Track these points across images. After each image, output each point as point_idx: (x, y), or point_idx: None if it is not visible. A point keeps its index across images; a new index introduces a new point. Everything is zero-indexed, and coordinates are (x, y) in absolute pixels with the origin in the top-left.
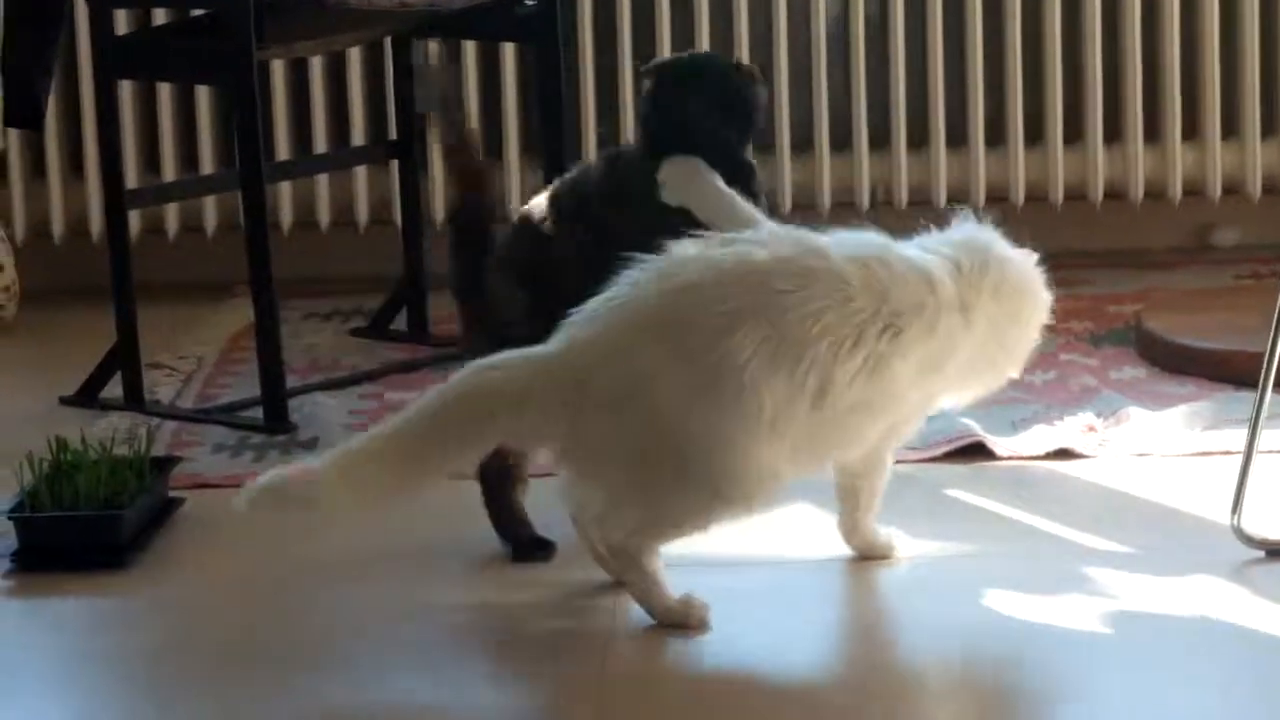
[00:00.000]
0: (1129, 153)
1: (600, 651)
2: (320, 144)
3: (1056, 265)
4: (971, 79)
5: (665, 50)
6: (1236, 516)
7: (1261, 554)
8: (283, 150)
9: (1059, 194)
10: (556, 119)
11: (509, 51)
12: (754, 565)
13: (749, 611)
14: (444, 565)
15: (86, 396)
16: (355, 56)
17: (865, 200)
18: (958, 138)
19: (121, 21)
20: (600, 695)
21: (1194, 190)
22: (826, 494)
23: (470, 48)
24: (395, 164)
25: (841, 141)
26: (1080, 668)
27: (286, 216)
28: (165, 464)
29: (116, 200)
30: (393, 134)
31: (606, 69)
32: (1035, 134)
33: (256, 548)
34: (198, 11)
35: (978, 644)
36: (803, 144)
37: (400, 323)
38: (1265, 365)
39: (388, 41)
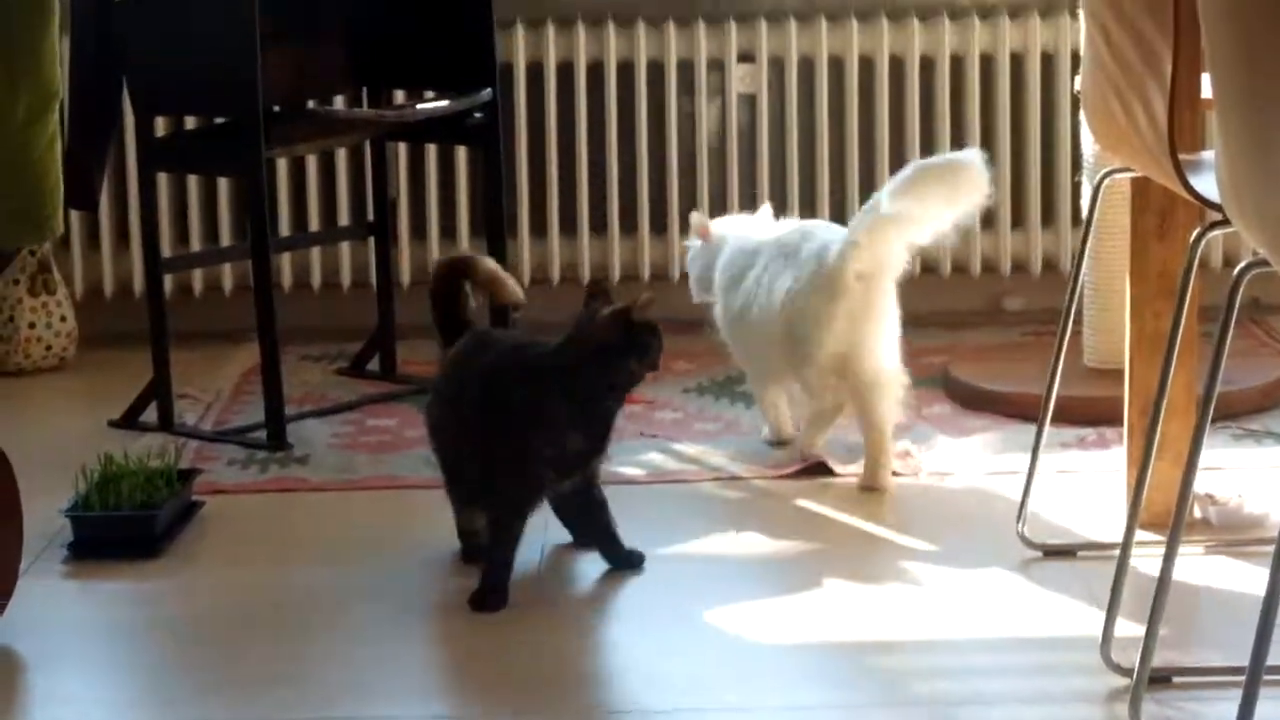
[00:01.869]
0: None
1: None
2: (314, 223)
3: None
4: (819, 174)
5: (582, 158)
6: (1020, 524)
7: (1040, 554)
8: (284, 227)
9: None
10: (498, 205)
11: (461, 153)
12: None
13: None
14: (429, 559)
15: (129, 421)
16: (342, 154)
17: None
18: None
19: (160, 125)
20: None
21: (990, 266)
22: None
23: (431, 148)
24: (372, 240)
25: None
26: (893, 634)
27: (286, 278)
28: (189, 475)
29: (154, 267)
30: (370, 216)
31: (537, 168)
32: None
33: (263, 541)
34: (220, 119)
35: (821, 621)
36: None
37: (375, 364)
38: (1043, 404)
39: (368, 143)
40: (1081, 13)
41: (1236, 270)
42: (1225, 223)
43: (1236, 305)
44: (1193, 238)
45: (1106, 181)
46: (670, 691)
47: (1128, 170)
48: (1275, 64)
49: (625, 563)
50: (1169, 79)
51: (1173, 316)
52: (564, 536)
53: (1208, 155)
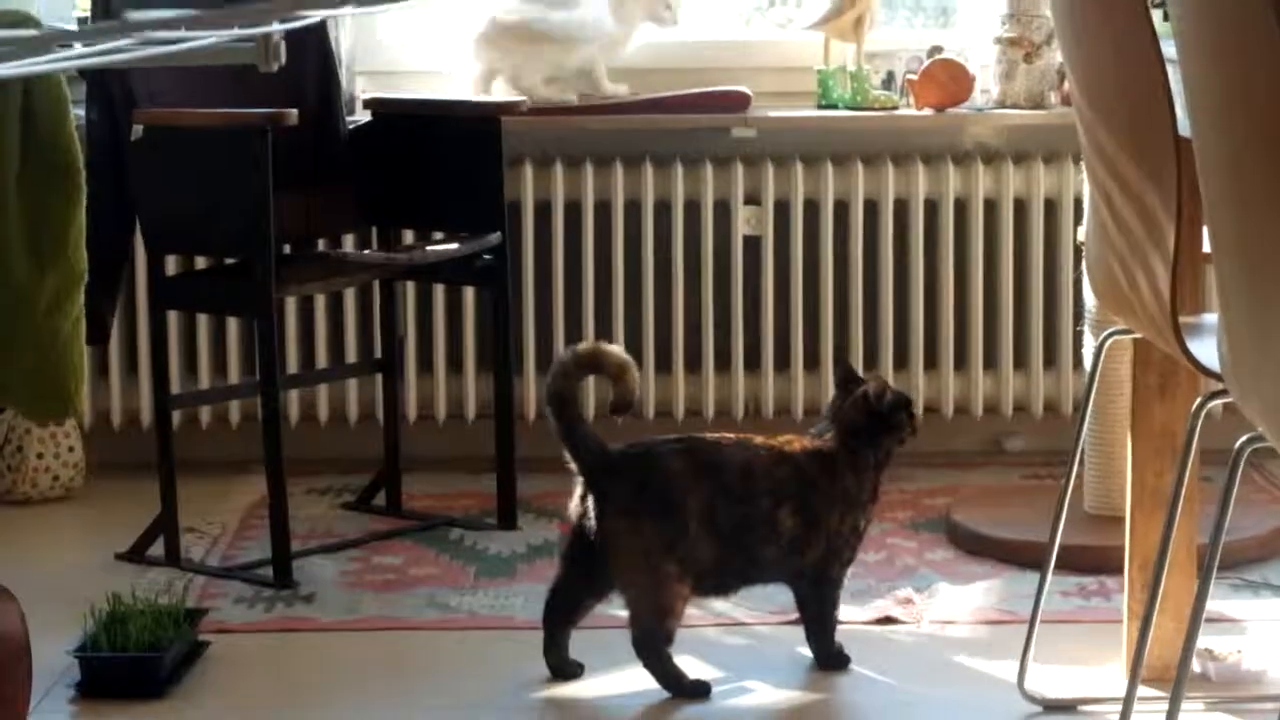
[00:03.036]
0: (942, 377)
1: None
2: (321, 358)
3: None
4: (823, 316)
5: (588, 295)
6: (1022, 678)
7: (1040, 709)
8: (292, 363)
9: None
10: (506, 345)
11: (469, 293)
12: None
13: None
14: (436, 705)
15: (136, 554)
16: (350, 292)
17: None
18: (814, 362)
19: (170, 264)
20: None
21: (991, 408)
22: None
23: (439, 288)
24: (379, 376)
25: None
26: None
27: (294, 411)
28: (196, 615)
29: (163, 404)
30: (378, 353)
31: (544, 303)
32: (870, 363)
33: (269, 684)
34: (230, 260)
35: None
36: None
37: (380, 499)
38: (1046, 553)
39: (376, 282)
40: (1084, 169)
41: (1238, 445)
42: (1226, 392)
43: (1238, 479)
44: (1194, 406)
45: (1109, 342)
46: None
47: (1130, 332)
48: (1276, 249)
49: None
50: (1172, 251)
51: (1175, 476)
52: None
53: (1210, 318)
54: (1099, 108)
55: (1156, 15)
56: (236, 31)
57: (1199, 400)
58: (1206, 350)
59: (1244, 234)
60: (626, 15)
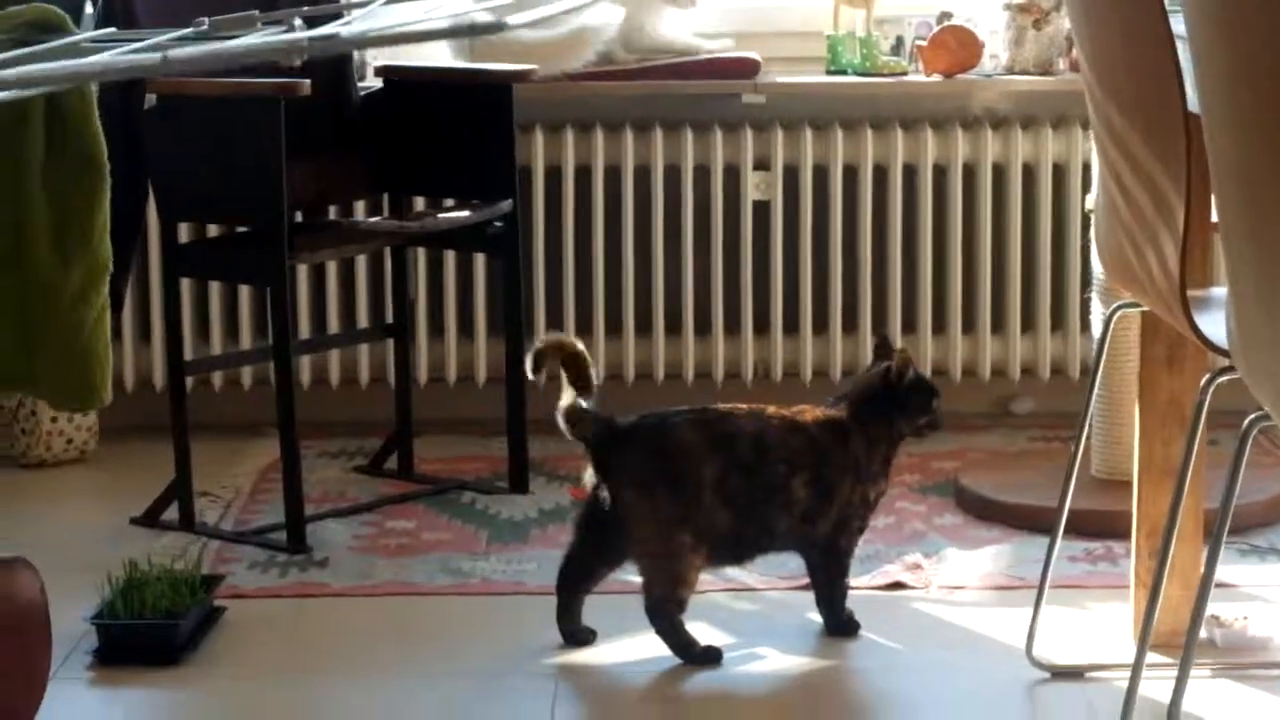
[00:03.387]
0: (950, 340)
1: None
2: (333, 323)
3: None
4: (831, 281)
5: (599, 260)
6: (1030, 644)
7: (1048, 675)
8: (304, 328)
9: None
10: (517, 311)
11: (480, 258)
12: None
13: None
14: (449, 671)
15: (151, 519)
16: (362, 258)
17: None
18: (822, 326)
19: (184, 232)
20: None
21: (999, 371)
22: None
23: (450, 254)
24: (390, 341)
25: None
26: None
27: (305, 375)
28: (212, 581)
29: (177, 369)
30: (389, 318)
31: (554, 269)
32: (877, 325)
33: (284, 650)
34: (242, 228)
35: None
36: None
37: (393, 462)
38: (1056, 517)
39: (388, 249)
40: (1093, 144)
41: (1246, 422)
42: (1234, 369)
43: (1245, 456)
44: (1203, 382)
45: (1118, 315)
46: None
47: (1139, 305)
48: None
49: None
50: (1181, 229)
51: (1183, 446)
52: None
53: (1219, 292)
54: (1108, 85)
55: None
56: (266, 36)
57: (1207, 377)
58: (1215, 325)
59: (1252, 210)
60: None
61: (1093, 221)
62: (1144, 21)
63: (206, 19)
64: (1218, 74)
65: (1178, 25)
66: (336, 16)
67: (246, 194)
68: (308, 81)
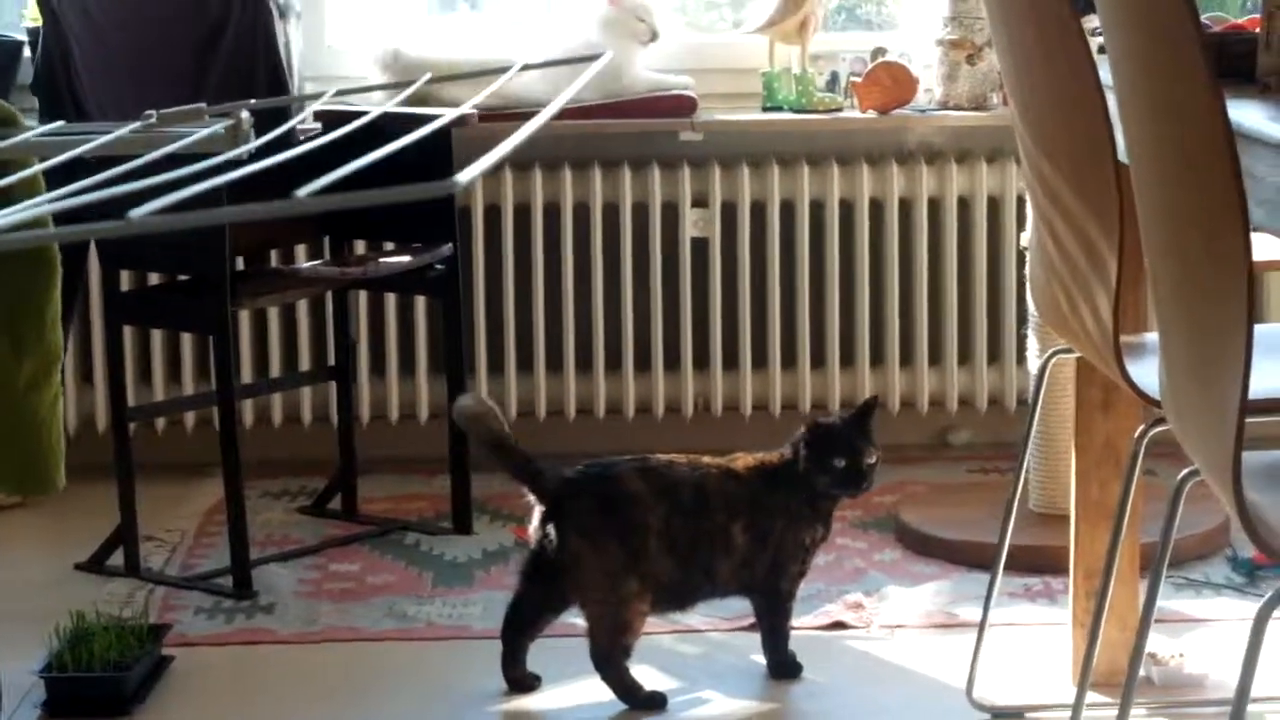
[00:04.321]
0: (888, 373)
1: None
2: (275, 365)
3: None
4: (770, 316)
5: (539, 297)
6: (970, 685)
7: (988, 716)
8: (247, 372)
9: (836, 403)
10: (457, 351)
11: (421, 299)
12: None
13: None
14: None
15: (96, 564)
16: (303, 302)
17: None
18: (761, 360)
19: (124, 280)
20: None
21: (936, 402)
22: None
23: (391, 297)
24: (333, 383)
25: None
26: None
27: (249, 415)
28: (159, 630)
29: (120, 416)
30: (330, 360)
31: (494, 307)
32: (816, 361)
33: (232, 699)
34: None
35: None
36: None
37: (336, 503)
38: (996, 554)
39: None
40: (1028, 195)
41: (1180, 476)
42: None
43: (1179, 508)
44: (1137, 433)
45: (1052, 364)
46: None
47: (1073, 351)
48: (1215, 286)
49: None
50: (1114, 282)
51: (1119, 488)
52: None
53: (1151, 337)
54: (1040, 138)
55: (1095, 45)
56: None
57: (1141, 428)
58: (1148, 372)
59: (1179, 263)
60: (613, 42)
61: (1027, 263)
62: (1075, 77)
63: (155, 112)
64: (1141, 125)
65: (1105, 74)
66: (284, 109)
67: (188, 242)
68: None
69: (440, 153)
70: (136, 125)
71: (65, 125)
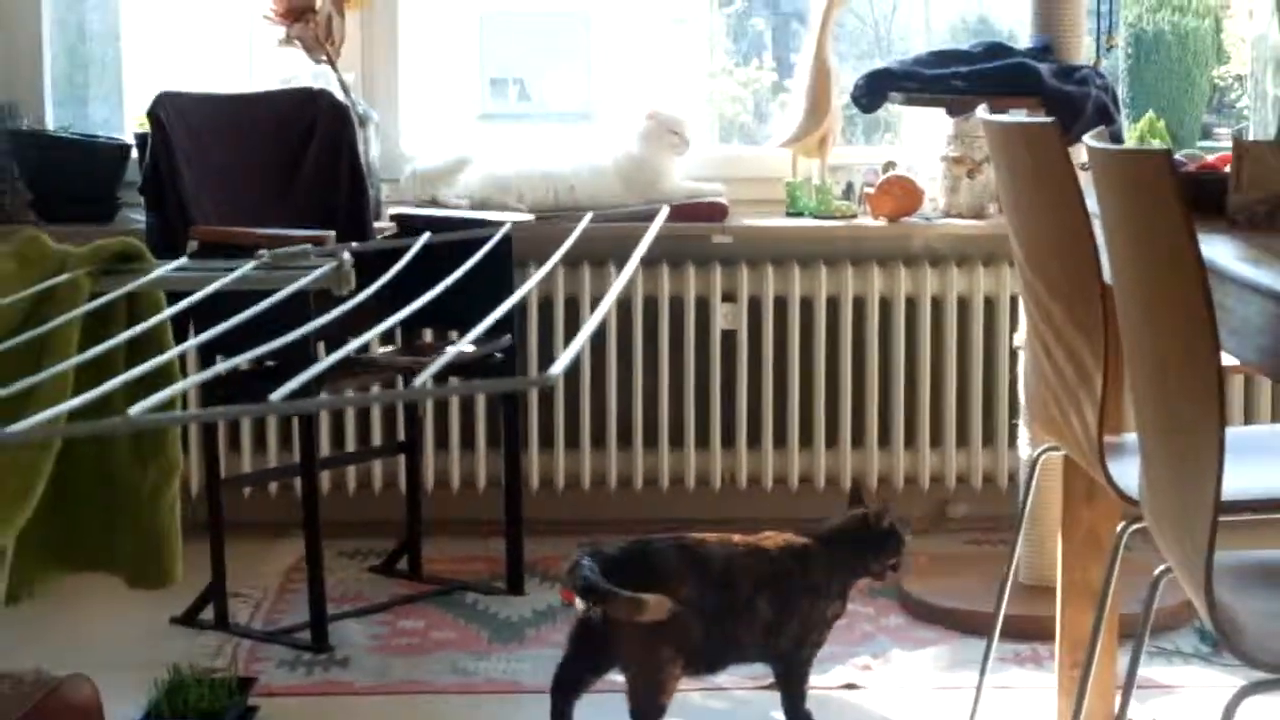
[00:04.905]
0: (894, 453)
1: None
2: (350, 439)
3: None
4: (790, 401)
5: (585, 381)
6: None
7: None
8: (325, 444)
9: (847, 479)
10: (512, 427)
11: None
12: None
13: None
14: None
15: (189, 618)
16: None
17: (717, 482)
18: (781, 440)
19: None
20: None
21: (936, 479)
22: None
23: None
24: (402, 456)
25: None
26: None
27: (325, 482)
28: (246, 683)
29: (214, 487)
30: (400, 436)
31: (545, 393)
32: (831, 437)
33: None
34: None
35: None
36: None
37: (404, 564)
38: (991, 625)
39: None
40: (1021, 302)
41: (1156, 572)
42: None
43: (1155, 604)
44: (1118, 529)
45: (1041, 459)
46: None
47: (1059, 449)
48: (1185, 409)
49: None
50: (1099, 395)
51: (1101, 572)
52: None
53: (1131, 438)
54: (1035, 265)
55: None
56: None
57: (1122, 525)
58: (1129, 473)
59: (1157, 384)
60: (652, 153)
61: (1020, 363)
62: (1066, 211)
63: (266, 252)
64: (1125, 254)
65: (1092, 203)
66: (364, 208)
67: (277, 334)
68: (332, 233)
69: (503, 254)
70: (253, 264)
71: (188, 262)
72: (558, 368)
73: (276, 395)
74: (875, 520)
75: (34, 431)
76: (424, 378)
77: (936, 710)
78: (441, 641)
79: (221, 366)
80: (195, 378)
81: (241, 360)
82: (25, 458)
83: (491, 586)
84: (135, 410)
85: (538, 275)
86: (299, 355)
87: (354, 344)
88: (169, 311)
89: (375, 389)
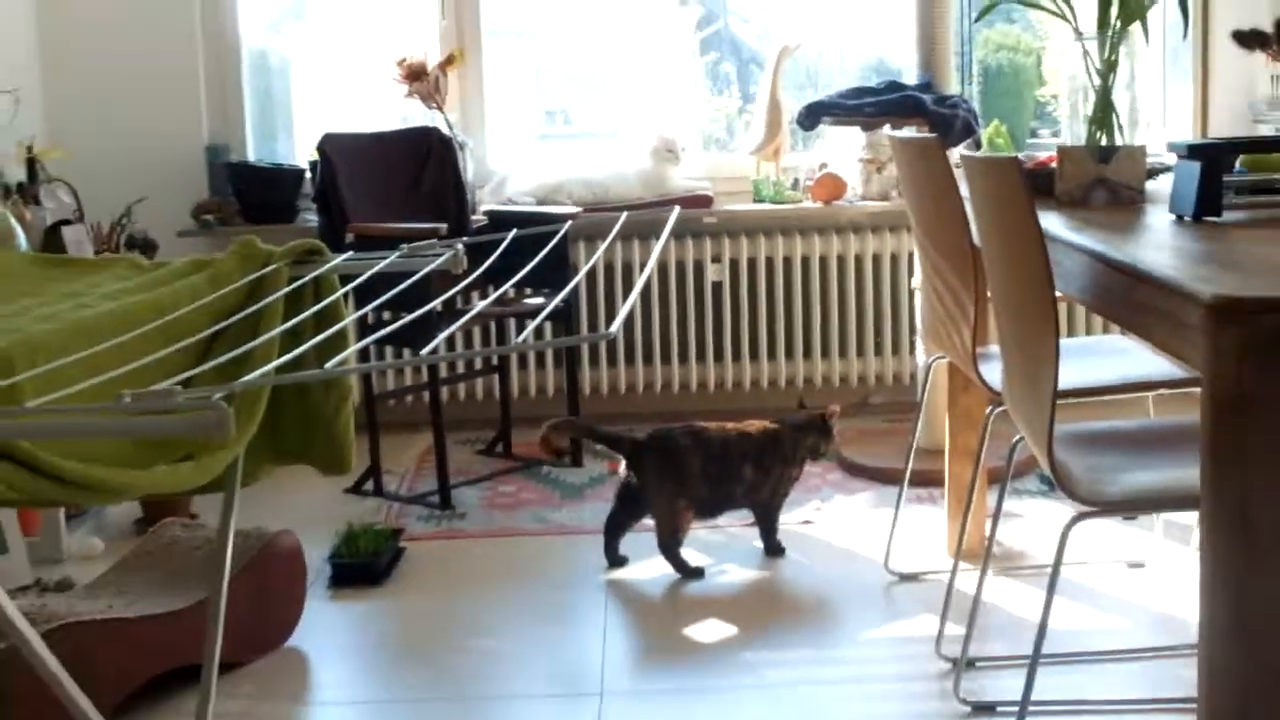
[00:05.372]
0: (831, 360)
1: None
2: (460, 365)
3: None
4: (759, 330)
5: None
6: (886, 557)
7: (897, 579)
8: (443, 368)
9: (800, 380)
10: (572, 353)
11: (548, 325)
12: None
13: None
14: (545, 583)
15: (356, 489)
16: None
17: (712, 387)
18: (755, 356)
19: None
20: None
21: (861, 377)
22: None
23: (528, 321)
24: (496, 375)
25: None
26: (791, 635)
27: (444, 394)
28: (398, 532)
29: (369, 398)
30: (495, 361)
31: (594, 326)
32: (789, 352)
33: (444, 572)
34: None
35: (735, 621)
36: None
37: (499, 448)
38: (903, 476)
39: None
40: (917, 263)
41: (1013, 442)
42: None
43: (1012, 467)
44: (986, 411)
45: (934, 365)
46: (632, 674)
47: (946, 358)
48: (1035, 323)
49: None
50: (972, 320)
51: (977, 440)
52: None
53: (995, 349)
54: (926, 233)
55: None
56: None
57: (989, 409)
58: (994, 373)
59: (1008, 309)
60: (658, 163)
61: (918, 299)
62: (944, 195)
63: (406, 246)
64: (987, 224)
65: (964, 188)
66: (467, 207)
67: (410, 294)
68: (444, 226)
69: (563, 236)
70: (398, 254)
71: (354, 255)
72: (615, 325)
73: (425, 350)
74: (819, 418)
75: (259, 380)
76: (524, 337)
77: (867, 537)
78: (527, 500)
79: (371, 339)
80: (363, 341)
81: (394, 327)
82: (252, 395)
83: (560, 462)
84: (329, 364)
85: (598, 253)
86: (426, 313)
87: (475, 309)
88: (342, 291)
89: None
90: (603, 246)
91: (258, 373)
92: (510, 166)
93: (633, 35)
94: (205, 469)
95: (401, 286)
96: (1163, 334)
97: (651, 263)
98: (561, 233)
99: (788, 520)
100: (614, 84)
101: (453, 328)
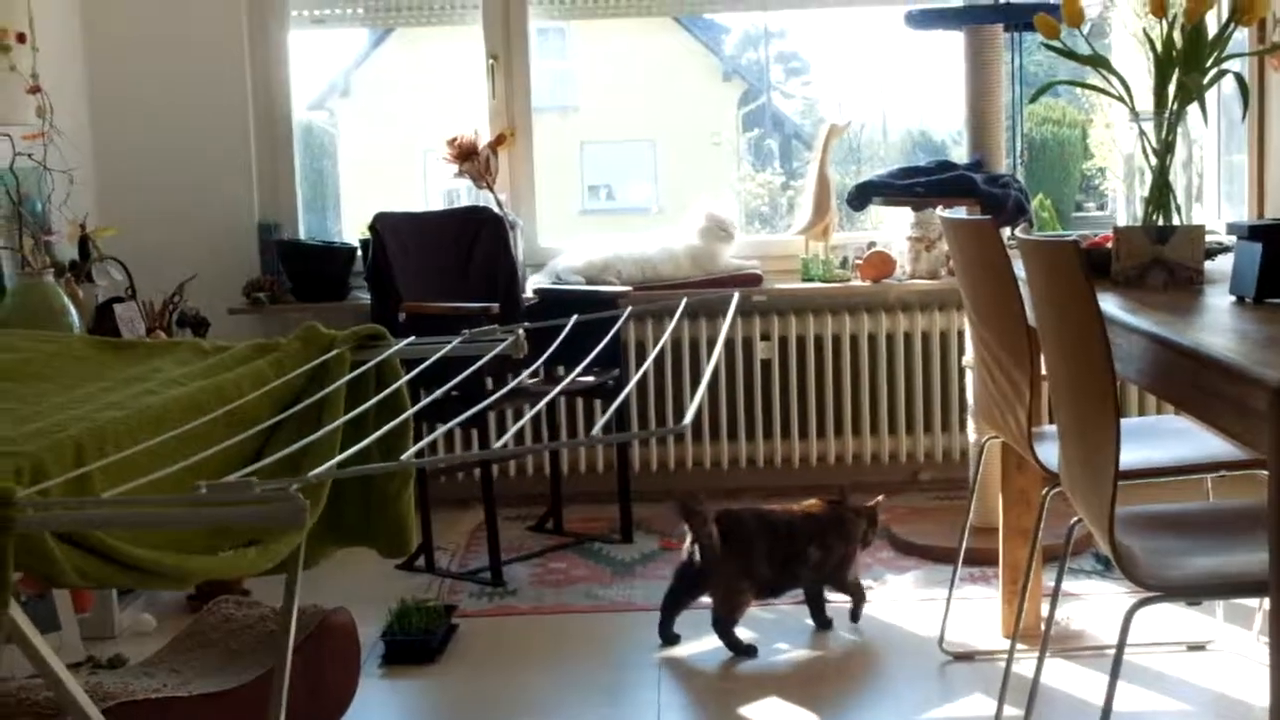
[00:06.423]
0: (880, 437)
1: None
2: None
3: None
4: (808, 406)
5: (668, 398)
6: (941, 635)
7: (951, 658)
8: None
9: (850, 459)
10: (622, 427)
11: (597, 402)
12: None
13: None
14: (598, 659)
15: (408, 565)
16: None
17: (762, 464)
18: (804, 434)
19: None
20: None
21: (911, 454)
22: None
23: (579, 399)
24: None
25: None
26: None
27: (495, 470)
28: (451, 608)
29: (422, 475)
30: (546, 436)
31: (643, 404)
32: (838, 430)
33: (496, 650)
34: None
35: (799, 688)
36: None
37: (550, 524)
38: (956, 554)
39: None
40: (969, 341)
41: (1071, 523)
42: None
43: (1070, 547)
44: (1042, 492)
45: (987, 445)
46: None
47: (999, 437)
48: (1091, 413)
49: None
50: (1027, 403)
51: (1033, 520)
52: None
53: (1050, 428)
54: (980, 314)
55: (1012, 253)
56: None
57: (1045, 489)
58: (1050, 453)
59: (1068, 390)
60: (708, 242)
61: (969, 378)
62: (999, 277)
63: (468, 331)
64: (1043, 307)
65: (1019, 269)
66: (517, 293)
67: (469, 377)
68: (497, 305)
69: (612, 311)
70: (460, 339)
71: (415, 340)
72: (687, 419)
73: (498, 443)
74: (869, 508)
75: (333, 473)
76: (595, 430)
77: (919, 615)
78: (578, 577)
79: (441, 430)
80: (435, 433)
81: (456, 422)
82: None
83: (611, 538)
84: (404, 456)
85: (664, 337)
86: (489, 399)
87: (544, 399)
88: (406, 378)
89: (527, 409)
90: (667, 332)
91: (329, 464)
92: (556, 241)
93: (676, 111)
94: (271, 554)
95: (465, 374)
96: (1227, 417)
97: (718, 351)
98: (624, 319)
99: (836, 597)
100: (656, 160)
101: (523, 420)
